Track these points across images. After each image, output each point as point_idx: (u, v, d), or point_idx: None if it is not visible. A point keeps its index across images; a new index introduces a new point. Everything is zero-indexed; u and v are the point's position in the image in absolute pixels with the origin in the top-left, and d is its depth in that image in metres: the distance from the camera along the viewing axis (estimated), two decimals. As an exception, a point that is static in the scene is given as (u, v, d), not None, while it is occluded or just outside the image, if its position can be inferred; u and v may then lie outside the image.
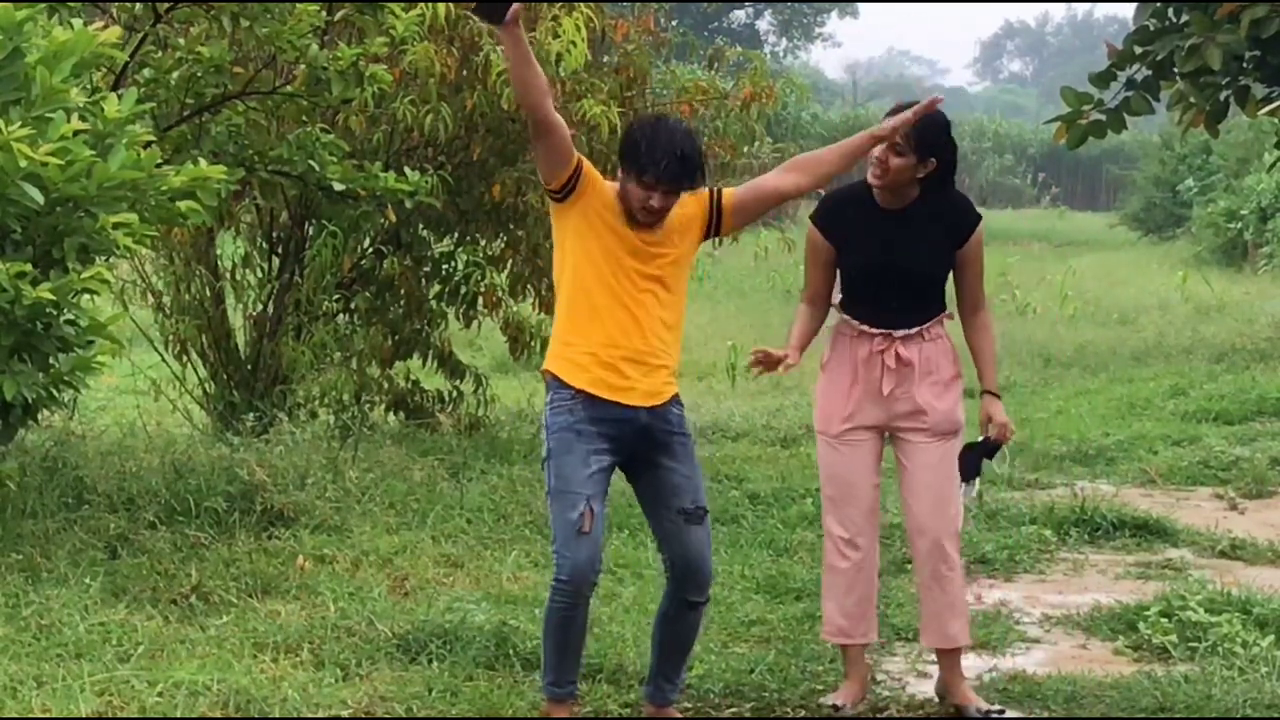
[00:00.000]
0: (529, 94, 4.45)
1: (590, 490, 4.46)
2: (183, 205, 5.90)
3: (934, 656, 5.31)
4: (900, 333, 5.01)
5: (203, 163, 6.07)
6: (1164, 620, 5.87)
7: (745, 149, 9.61)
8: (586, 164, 4.58)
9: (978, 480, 5.20)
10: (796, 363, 4.88)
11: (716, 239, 4.90)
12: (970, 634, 5.24)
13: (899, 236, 5.00)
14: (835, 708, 4.99)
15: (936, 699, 5.13)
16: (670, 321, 4.60)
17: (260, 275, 8.93)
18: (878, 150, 4.93)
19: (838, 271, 5.14)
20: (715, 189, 4.73)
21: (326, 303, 8.60)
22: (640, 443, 4.56)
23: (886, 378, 5.01)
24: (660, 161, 4.43)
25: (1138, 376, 12.86)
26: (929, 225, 5.03)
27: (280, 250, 8.90)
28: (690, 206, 4.63)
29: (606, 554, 6.67)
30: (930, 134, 4.95)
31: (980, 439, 5.12)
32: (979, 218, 5.16)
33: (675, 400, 4.63)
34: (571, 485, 4.47)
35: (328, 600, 5.73)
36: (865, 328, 5.04)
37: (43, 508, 6.37)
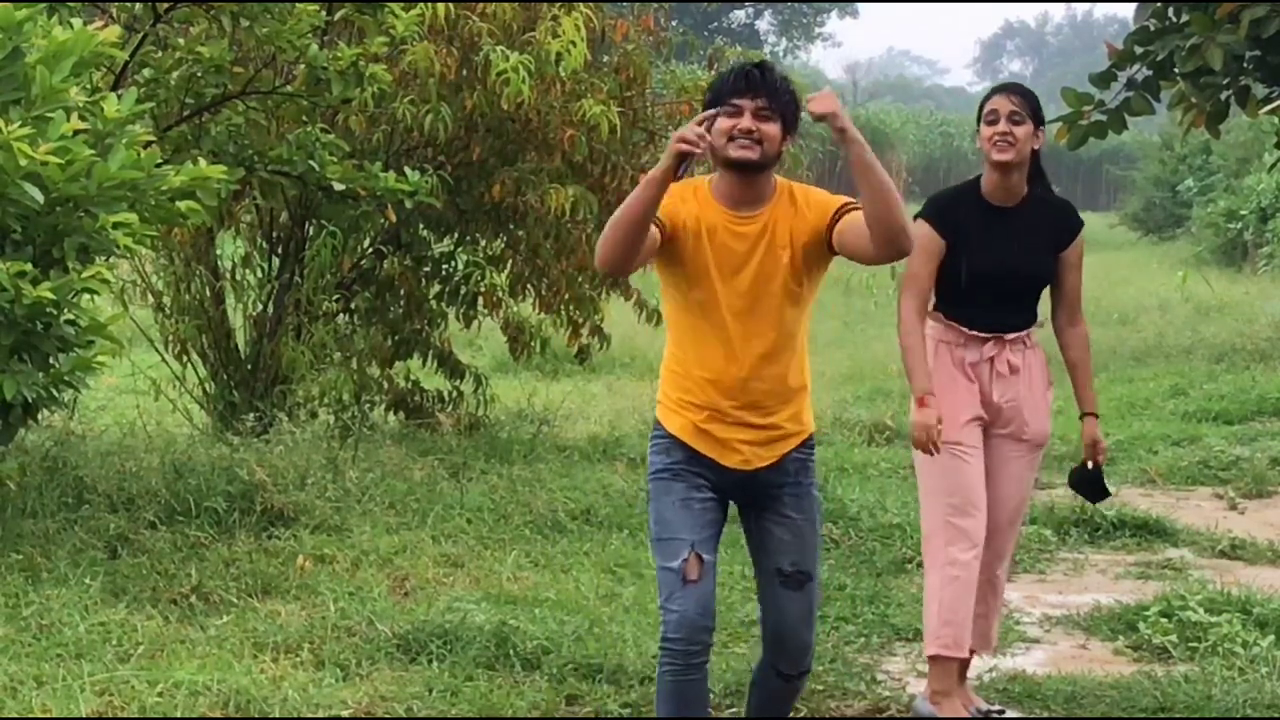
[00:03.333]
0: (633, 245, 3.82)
1: (695, 535, 3.96)
2: (183, 205, 5.91)
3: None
4: (1011, 336, 4.95)
5: (203, 163, 6.08)
6: (1164, 620, 5.87)
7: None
8: (667, 208, 3.93)
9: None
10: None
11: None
12: None
13: (1013, 237, 4.90)
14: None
15: (937, 699, 5.13)
16: (778, 357, 4.01)
17: (260, 275, 8.93)
18: (998, 126, 4.80)
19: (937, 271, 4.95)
20: (845, 204, 4.02)
21: (326, 303, 8.60)
22: (741, 494, 4.09)
23: (997, 384, 4.94)
24: (733, 77, 3.96)
25: (1138, 376, 12.85)
26: (1038, 225, 4.95)
27: (280, 250, 8.90)
28: (809, 215, 4.01)
29: (606, 553, 6.68)
30: (1035, 102, 4.88)
31: (1085, 462, 5.15)
32: (1082, 222, 5.08)
33: (797, 448, 4.08)
34: (672, 530, 3.97)
35: (328, 600, 5.73)
36: (976, 332, 4.92)
37: (43, 508, 6.36)
